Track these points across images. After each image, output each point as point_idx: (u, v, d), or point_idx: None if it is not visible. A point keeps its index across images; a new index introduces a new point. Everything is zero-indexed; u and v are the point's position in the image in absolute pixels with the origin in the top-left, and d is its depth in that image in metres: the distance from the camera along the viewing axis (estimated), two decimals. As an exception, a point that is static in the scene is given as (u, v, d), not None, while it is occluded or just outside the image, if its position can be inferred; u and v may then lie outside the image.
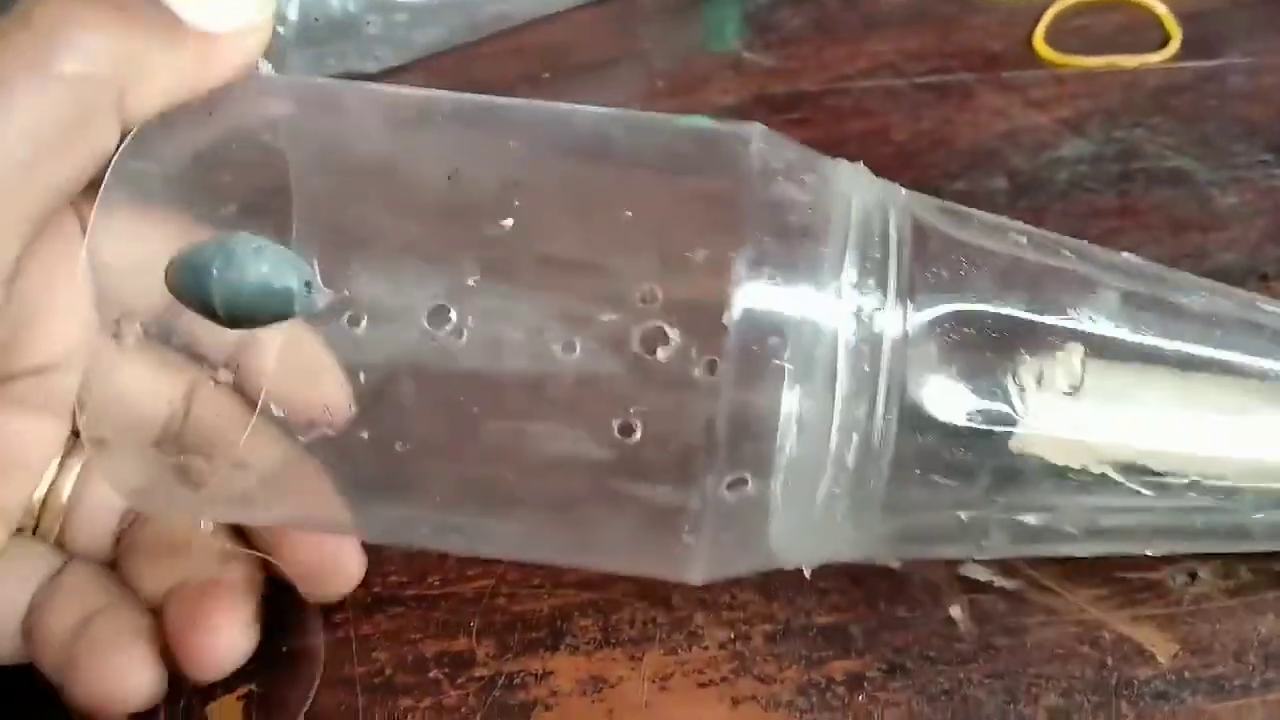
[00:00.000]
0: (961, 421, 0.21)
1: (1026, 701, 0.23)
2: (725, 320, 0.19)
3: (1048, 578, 0.25)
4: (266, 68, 0.23)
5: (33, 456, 0.24)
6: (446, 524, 0.24)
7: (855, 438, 0.20)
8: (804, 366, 0.20)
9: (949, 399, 0.21)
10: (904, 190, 0.23)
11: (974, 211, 0.24)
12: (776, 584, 0.26)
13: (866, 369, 0.20)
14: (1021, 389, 0.21)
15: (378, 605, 0.27)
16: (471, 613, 0.27)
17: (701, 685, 0.25)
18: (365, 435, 0.21)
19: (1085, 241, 0.24)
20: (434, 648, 0.26)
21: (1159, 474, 0.22)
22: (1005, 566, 0.25)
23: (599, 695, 0.25)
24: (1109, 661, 0.24)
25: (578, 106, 0.23)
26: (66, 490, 0.25)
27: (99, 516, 0.25)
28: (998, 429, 0.21)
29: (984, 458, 0.21)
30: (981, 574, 0.25)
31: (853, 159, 0.38)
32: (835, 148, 0.39)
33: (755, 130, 0.22)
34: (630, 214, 0.21)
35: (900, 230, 0.22)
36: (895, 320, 0.21)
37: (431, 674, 0.26)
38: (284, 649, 0.27)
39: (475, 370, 0.21)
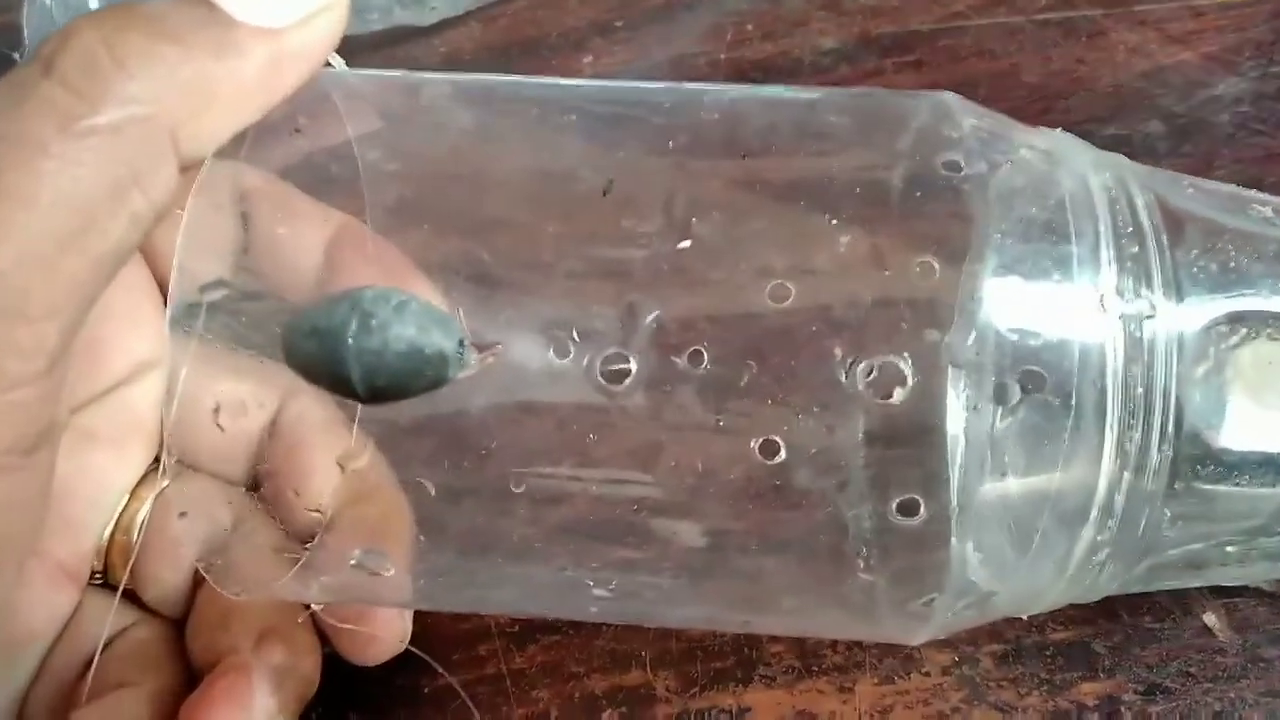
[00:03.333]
0: (1252, 448, 0.17)
1: (1315, 724, 0.20)
2: (968, 348, 0.16)
3: (1312, 576, 0.22)
4: (339, 61, 0.19)
5: (106, 496, 0.21)
6: (570, 583, 0.20)
7: (1127, 477, 0.16)
8: (1065, 396, 0.16)
9: (1236, 421, 0.17)
10: (1129, 161, 0.19)
11: (1199, 180, 0.20)
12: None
13: (1140, 391, 0.16)
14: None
15: (528, 634, 0.24)
16: (641, 641, 0.23)
17: (929, 718, 0.22)
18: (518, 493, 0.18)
19: None
20: (603, 683, 0.23)
21: None
22: (1257, 565, 0.22)
23: (810, 733, 0.22)
24: (1401, 673, 0.21)
25: (712, 86, 0.19)
26: (138, 528, 0.21)
27: (171, 560, 0.21)
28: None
29: (1268, 484, 0.18)
30: (1232, 575, 0.22)
31: (983, 104, 0.35)
32: (964, 92, 0.35)
33: (949, 101, 0.18)
34: (832, 219, 0.17)
35: (1149, 214, 0.18)
36: (1168, 328, 0.17)
37: (605, 714, 0.23)
38: (425, 689, 0.24)
39: (646, 421, 0.17)
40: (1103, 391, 0.16)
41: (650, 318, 0.16)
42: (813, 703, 0.22)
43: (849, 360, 0.16)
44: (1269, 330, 0.17)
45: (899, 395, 0.16)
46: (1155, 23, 0.37)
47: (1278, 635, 0.21)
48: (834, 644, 0.22)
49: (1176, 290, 0.17)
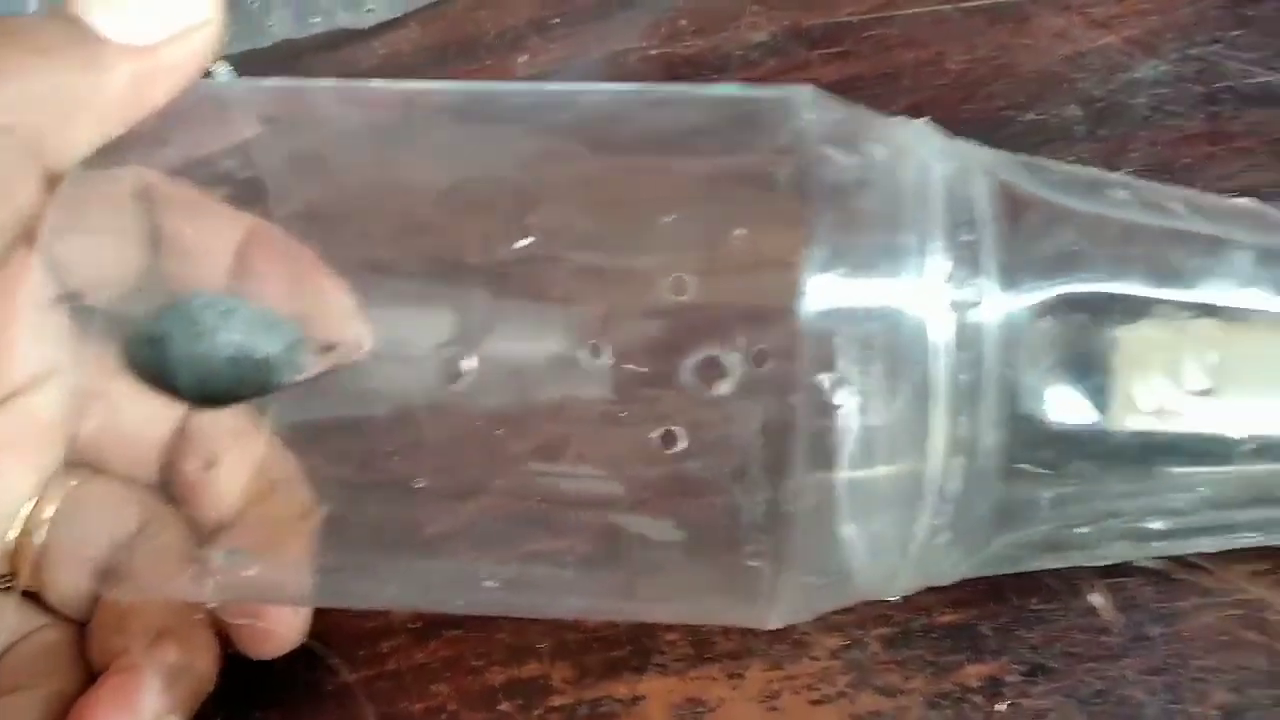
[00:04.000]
0: (1080, 426, 0.17)
1: (1193, 699, 0.20)
2: (789, 338, 0.16)
3: (1194, 554, 0.22)
4: (224, 71, 0.20)
5: (10, 501, 0.21)
6: (466, 576, 0.20)
7: (961, 461, 0.17)
8: (891, 383, 0.17)
9: (1066, 402, 0.17)
10: (982, 149, 0.20)
11: (1061, 165, 0.20)
12: (887, 580, 0.23)
13: (966, 378, 0.17)
14: (1149, 380, 0.18)
15: (431, 630, 0.24)
16: (539, 633, 0.24)
17: (815, 703, 0.22)
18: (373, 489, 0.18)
19: (1197, 190, 0.21)
20: (501, 676, 0.23)
21: None
22: (1145, 545, 0.22)
23: (698, 720, 0.22)
24: (1279, 648, 0.21)
25: (589, 86, 0.20)
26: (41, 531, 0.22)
27: (75, 563, 0.22)
28: (1122, 429, 0.18)
29: (1108, 465, 0.18)
30: (1120, 555, 0.22)
31: (906, 93, 0.35)
32: (887, 82, 0.36)
33: (804, 96, 0.19)
34: (670, 217, 0.17)
35: (990, 201, 0.18)
36: (997, 314, 0.17)
37: (501, 706, 0.23)
38: (328, 687, 0.24)
39: (498, 407, 0.18)
40: (932, 378, 0.16)
41: (490, 315, 0.17)
42: (703, 690, 0.22)
43: (684, 354, 0.16)
44: (1104, 309, 0.17)
45: (724, 388, 0.16)
46: (1080, 7, 0.37)
47: (1162, 614, 0.21)
48: (726, 631, 0.23)
49: (1008, 276, 0.17)
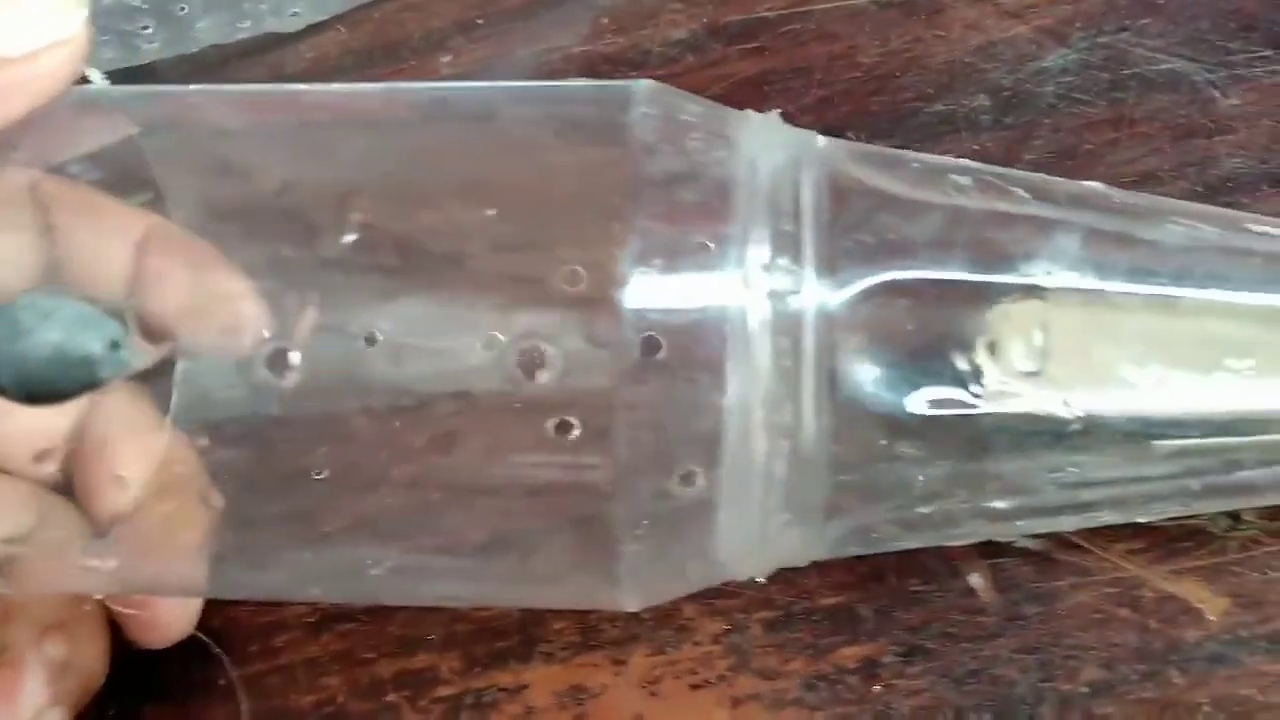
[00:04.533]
0: (906, 410, 0.18)
1: (1064, 677, 0.21)
2: (608, 330, 0.17)
3: (1073, 534, 0.22)
4: (98, 79, 0.20)
5: None
6: (354, 566, 0.21)
7: (786, 444, 0.17)
8: (712, 371, 0.17)
9: (888, 386, 0.18)
10: (824, 140, 0.20)
11: (909, 154, 0.21)
12: (774, 565, 0.23)
13: (788, 364, 0.17)
14: (975, 363, 0.18)
15: (324, 624, 0.24)
16: (432, 624, 0.24)
17: (695, 687, 0.22)
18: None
19: (1042, 175, 0.21)
20: (391, 668, 0.23)
21: (1149, 436, 0.19)
22: (1026, 525, 0.23)
23: (580, 708, 0.22)
24: (1152, 624, 0.21)
25: (443, 85, 0.21)
26: None
27: None
28: (949, 413, 0.18)
29: (937, 447, 0.18)
30: (1002, 535, 0.22)
31: (818, 86, 0.35)
32: (799, 76, 0.36)
33: (640, 90, 0.19)
34: (492, 211, 0.18)
35: (816, 191, 0.18)
36: (815, 302, 0.17)
37: (389, 698, 0.23)
38: (219, 681, 0.24)
39: (392, 399, 0.18)
40: (753, 366, 0.16)
41: (313, 310, 0.17)
42: (587, 677, 0.22)
43: (501, 342, 0.16)
44: (927, 294, 0.18)
45: (544, 377, 0.16)
46: (993, -2, 0.37)
47: (1038, 593, 0.22)
48: (613, 619, 0.23)
49: (830, 264, 0.17)
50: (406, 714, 0.23)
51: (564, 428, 0.17)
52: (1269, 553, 0.21)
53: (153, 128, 0.21)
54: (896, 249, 0.18)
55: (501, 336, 0.17)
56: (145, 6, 0.41)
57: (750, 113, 0.20)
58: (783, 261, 0.17)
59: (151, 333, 0.19)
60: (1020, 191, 0.19)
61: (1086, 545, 0.22)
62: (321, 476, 0.19)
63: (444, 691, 0.23)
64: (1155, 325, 0.19)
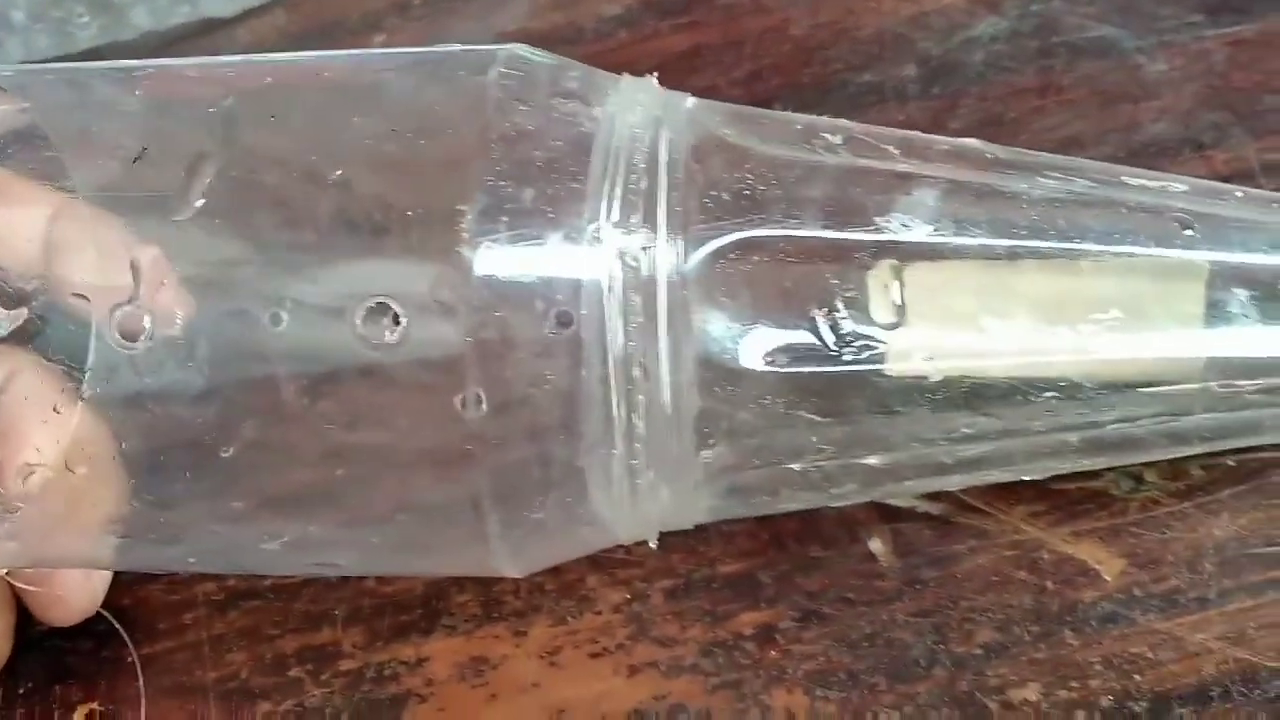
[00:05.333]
0: (763, 366, 0.18)
1: (958, 639, 0.21)
2: (457, 290, 0.17)
3: (976, 498, 0.22)
4: None
5: None
6: (254, 540, 0.21)
7: (642, 401, 0.17)
8: (564, 330, 0.17)
9: (744, 342, 0.18)
10: (693, 101, 0.21)
11: (785, 115, 0.21)
12: (676, 534, 0.23)
13: (640, 320, 0.17)
14: (833, 318, 0.18)
15: (232, 601, 0.25)
16: (337, 599, 0.24)
17: (594, 655, 0.22)
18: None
19: (920, 133, 0.21)
20: (295, 643, 0.24)
21: (1014, 390, 0.19)
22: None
23: (480, 679, 0.22)
24: (1049, 585, 0.21)
25: (311, 54, 0.21)
26: None
27: None
28: (807, 369, 0.18)
29: (796, 403, 0.19)
30: (903, 500, 0.23)
31: (749, 60, 0.36)
32: (731, 50, 0.36)
33: (500, 54, 0.19)
34: (339, 173, 0.18)
35: (673, 151, 0.19)
36: (668, 259, 0.18)
37: (292, 672, 0.23)
38: (128, 659, 0.24)
39: (296, 374, 0.19)
40: (605, 323, 0.17)
41: (159, 274, 0.17)
42: (488, 648, 0.23)
43: (350, 304, 0.17)
44: (782, 250, 0.18)
45: (392, 336, 0.16)
46: (928, -32, 0.37)
47: (937, 557, 0.22)
48: (516, 590, 0.23)
49: (684, 222, 0.17)
50: (309, 688, 0.23)
51: (420, 392, 0.17)
52: (1169, 513, 0.22)
53: (46, 106, 0.21)
54: (752, 206, 0.18)
55: (350, 299, 0.17)
56: (80, -8, 0.41)
57: (625, 76, 0.20)
58: (635, 219, 0.17)
59: (64, 307, 0.20)
60: (891, 149, 0.19)
61: (987, 509, 0.22)
62: (228, 454, 0.20)
63: (346, 666, 0.23)
64: (1018, 279, 0.19)
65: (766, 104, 0.33)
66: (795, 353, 0.18)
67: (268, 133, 0.19)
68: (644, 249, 0.17)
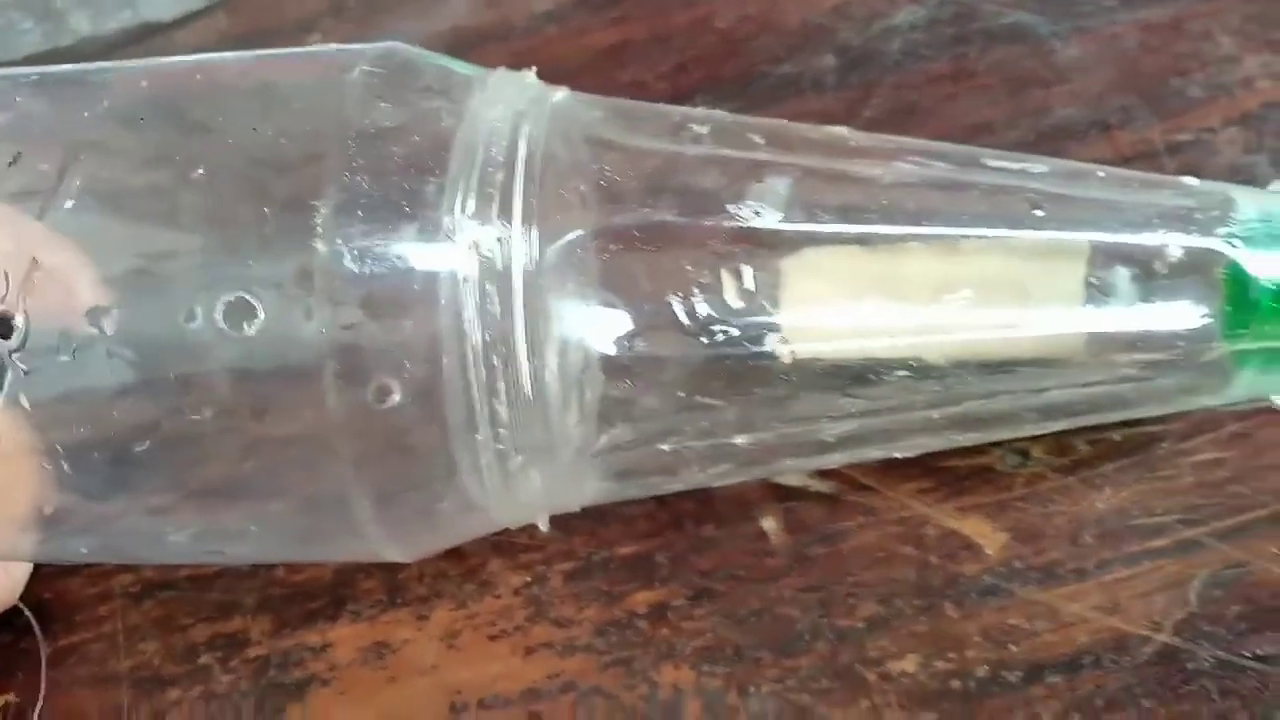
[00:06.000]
0: (620, 351, 0.19)
1: (842, 613, 0.22)
2: (318, 282, 0.17)
3: (866, 476, 0.23)
4: None
5: None
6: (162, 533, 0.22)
7: (502, 388, 0.18)
8: (422, 321, 0.18)
9: (602, 329, 0.19)
10: (563, 94, 0.21)
11: (652, 107, 0.22)
12: (578, 518, 0.24)
13: (496, 310, 0.18)
14: (689, 304, 0.19)
15: (148, 592, 0.25)
16: (248, 589, 0.25)
17: (493, 638, 0.23)
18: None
19: (786, 122, 0.22)
20: (206, 632, 0.24)
21: (870, 370, 0.19)
22: (823, 469, 0.23)
23: (381, 663, 0.23)
24: (932, 560, 0.22)
25: (199, 57, 0.21)
26: None
27: None
28: (664, 353, 0.19)
29: (655, 385, 0.19)
30: (796, 479, 0.23)
31: (675, 53, 0.36)
32: (658, 44, 0.37)
33: (369, 53, 0.20)
34: (202, 171, 0.19)
35: (532, 145, 0.19)
36: (524, 250, 0.18)
37: (202, 660, 0.24)
38: (45, 652, 0.25)
39: (209, 370, 0.19)
40: (460, 313, 0.17)
41: (34, 275, 0.18)
42: (390, 633, 0.23)
43: (209, 299, 0.17)
44: (638, 239, 0.18)
45: (251, 329, 0.17)
46: (853, -41, 0.38)
47: (827, 534, 0.22)
48: (420, 576, 0.24)
49: (540, 213, 0.18)
50: (217, 675, 0.24)
51: (282, 385, 0.18)
52: (1052, 488, 0.22)
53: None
54: (608, 196, 0.19)
55: (210, 294, 0.17)
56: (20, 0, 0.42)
57: (500, 71, 0.21)
58: (490, 212, 0.18)
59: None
60: (756, 138, 0.20)
61: (876, 486, 0.23)
62: (143, 448, 0.20)
63: (254, 652, 0.24)
64: (902, 261, 0.20)
65: (689, 97, 0.34)
66: (651, 338, 0.18)
67: (137, 135, 0.20)
68: (499, 240, 0.18)
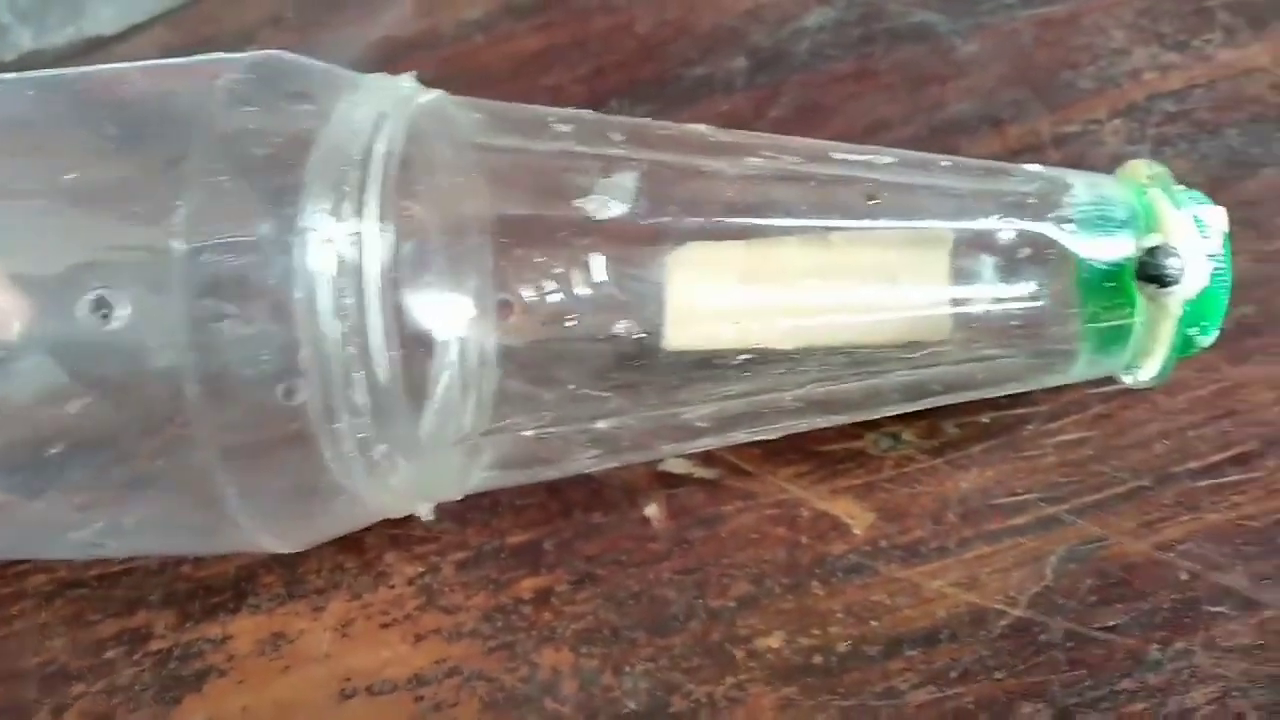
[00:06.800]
0: (476, 342, 0.20)
1: (715, 594, 0.22)
2: (175, 279, 0.18)
3: (748, 461, 0.24)
4: None
5: None
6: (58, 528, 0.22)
7: (360, 378, 0.19)
8: (279, 315, 0.19)
9: (455, 320, 0.20)
10: (434, 95, 0.22)
11: (521, 107, 0.23)
12: (473, 508, 0.25)
13: (350, 303, 0.19)
14: (539, 292, 0.20)
15: (59, 590, 0.26)
16: (154, 585, 0.26)
17: (384, 626, 0.24)
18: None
19: (651, 120, 0.23)
20: (113, 627, 0.25)
21: (712, 355, 0.20)
22: (707, 455, 0.24)
23: (277, 653, 0.24)
24: (803, 540, 0.23)
25: (83, 70, 0.22)
26: None
27: None
28: (515, 341, 0.20)
29: (519, 373, 0.20)
30: (681, 466, 0.24)
31: (595, 58, 0.37)
32: (578, 49, 0.38)
33: (243, 60, 0.21)
34: (75, 175, 0.20)
35: (391, 145, 0.20)
36: (377, 246, 0.19)
37: (107, 654, 0.25)
38: (-39, 650, 0.26)
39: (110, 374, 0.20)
40: (315, 307, 0.18)
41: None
42: (287, 624, 0.24)
43: (72, 297, 0.18)
44: (492, 232, 0.19)
45: (116, 323, 0.18)
46: (767, -37, 0.39)
47: (707, 518, 0.23)
48: (319, 569, 0.25)
49: (394, 210, 0.19)
50: (121, 668, 0.24)
51: (146, 379, 0.19)
52: (920, 469, 0.23)
53: None
54: (465, 193, 0.20)
55: (75, 290, 0.18)
56: (-38, 17, 0.43)
57: (377, 75, 0.21)
58: (346, 209, 0.19)
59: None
60: (614, 135, 0.21)
61: (756, 471, 0.24)
62: (54, 451, 0.21)
63: (157, 646, 0.25)
64: (777, 252, 0.21)
65: (605, 100, 0.35)
66: (505, 329, 0.19)
67: (19, 140, 0.21)
68: (353, 236, 0.19)
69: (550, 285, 0.19)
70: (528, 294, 0.20)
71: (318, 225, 0.19)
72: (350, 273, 0.19)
